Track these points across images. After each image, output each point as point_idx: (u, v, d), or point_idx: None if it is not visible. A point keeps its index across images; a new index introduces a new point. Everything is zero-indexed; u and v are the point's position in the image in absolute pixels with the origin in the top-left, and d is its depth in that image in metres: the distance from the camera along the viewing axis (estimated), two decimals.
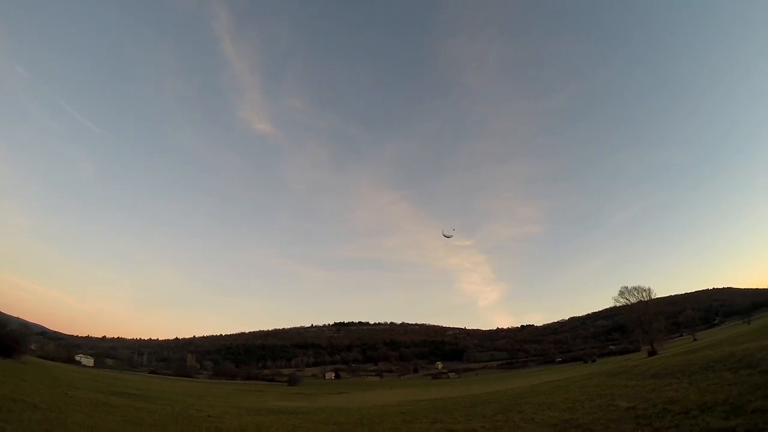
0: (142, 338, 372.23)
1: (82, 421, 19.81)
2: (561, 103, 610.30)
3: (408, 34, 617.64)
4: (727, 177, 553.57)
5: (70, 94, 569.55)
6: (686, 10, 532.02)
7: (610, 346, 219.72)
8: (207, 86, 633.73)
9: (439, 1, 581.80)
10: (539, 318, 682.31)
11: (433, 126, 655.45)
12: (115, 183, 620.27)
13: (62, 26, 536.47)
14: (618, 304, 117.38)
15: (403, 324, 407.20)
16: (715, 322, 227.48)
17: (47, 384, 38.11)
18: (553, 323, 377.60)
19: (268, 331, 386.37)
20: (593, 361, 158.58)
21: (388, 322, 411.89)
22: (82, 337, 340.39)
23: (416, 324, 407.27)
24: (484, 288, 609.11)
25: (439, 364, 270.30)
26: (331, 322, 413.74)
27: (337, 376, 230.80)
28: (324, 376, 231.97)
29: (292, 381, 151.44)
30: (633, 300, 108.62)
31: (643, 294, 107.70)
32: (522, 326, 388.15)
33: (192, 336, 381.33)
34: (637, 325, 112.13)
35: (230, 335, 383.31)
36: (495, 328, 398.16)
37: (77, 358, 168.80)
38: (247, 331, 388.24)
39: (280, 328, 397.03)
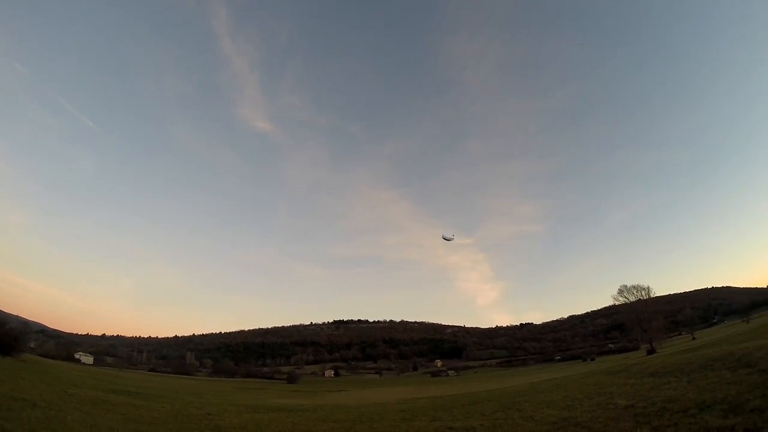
0: (142, 336, 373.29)
1: (82, 419, 19.83)
2: (560, 102, 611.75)
3: (407, 33, 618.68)
4: (726, 176, 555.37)
5: (69, 91, 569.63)
6: (686, 10, 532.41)
7: (609, 345, 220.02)
8: (206, 84, 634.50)
9: (439, 0, 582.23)
10: (538, 316, 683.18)
11: (432, 124, 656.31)
12: (115, 181, 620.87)
13: (61, 23, 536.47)
14: (617, 303, 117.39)
15: (402, 322, 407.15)
16: (714, 321, 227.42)
17: (47, 382, 38.13)
18: (553, 321, 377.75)
19: (268, 328, 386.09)
20: (592, 359, 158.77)
21: (388, 320, 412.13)
22: (81, 335, 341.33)
23: (415, 322, 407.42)
24: (483, 286, 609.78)
25: (439, 362, 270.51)
26: (331, 320, 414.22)
27: (337, 374, 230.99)
28: (323, 373, 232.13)
29: (292, 379, 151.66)
30: (632, 299, 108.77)
31: (642, 293, 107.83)
32: (521, 324, 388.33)
33: (191, 334, 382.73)
34: (636, 324, 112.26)
35: (230, 333, 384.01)
36: (494, 327, 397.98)
37: (77, 356, 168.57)
38: (246, 329, 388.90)
39: (280, 326, 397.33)
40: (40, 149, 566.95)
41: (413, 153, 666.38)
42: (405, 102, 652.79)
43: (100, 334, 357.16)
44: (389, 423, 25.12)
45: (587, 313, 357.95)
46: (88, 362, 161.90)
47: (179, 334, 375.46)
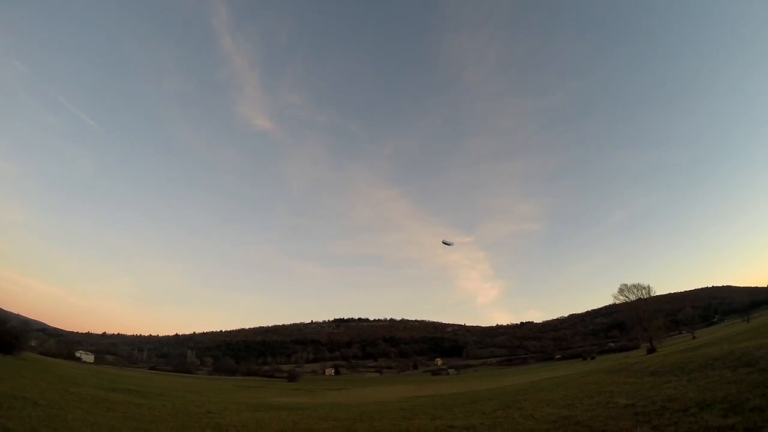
0: (142, 334, 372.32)
1: (83, 417, 19.85)
2: (560, 101, 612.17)
3: (408, 31, 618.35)
4: (726, 175, 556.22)
5: (69, 90, 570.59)
6: (686, 9, 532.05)
7: (610, 344, 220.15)
8: (206, 82, 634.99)
9: None
10: (538, 315, 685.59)
11: (432, 123, 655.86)
12: (115, 179, 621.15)
13: (61, 22, 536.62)
14: (617, 302, 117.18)
15: (402, 320, 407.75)
16: (714, 320, 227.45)
17: (47, 380, 38.16)
18: (553, 320, 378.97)
19: (268, 327, 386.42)
20: (592, 358, 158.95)
21: (388, 319, 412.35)
22: (82, 333, 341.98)
23: (416, 320, 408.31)
24: (483, 285, 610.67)
25: (439, 361, 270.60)
26: (331, 319, 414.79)
27: (337, 372, 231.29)
28: (323, 372, 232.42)
29: (292, 377, 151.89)
30: (632, 297, 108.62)
31: (643, 292, 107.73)
32: (521, 323, 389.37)
33: (192, 332, 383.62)
34: (636, 323, 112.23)
35: (230, 331, 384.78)
36: (494, 325, 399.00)
37: (77, 354, 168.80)
38: (246, 327, 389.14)
39: (280, 324, 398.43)
40: (40, 148, 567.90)
41: (413, 151, 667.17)
42: (405, 100, 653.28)
43: (100, 333, 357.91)
44: (389, 421, 25.12)
45: (588, 311, 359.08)
46: (88, 361, 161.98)
47: (180, 333, 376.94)
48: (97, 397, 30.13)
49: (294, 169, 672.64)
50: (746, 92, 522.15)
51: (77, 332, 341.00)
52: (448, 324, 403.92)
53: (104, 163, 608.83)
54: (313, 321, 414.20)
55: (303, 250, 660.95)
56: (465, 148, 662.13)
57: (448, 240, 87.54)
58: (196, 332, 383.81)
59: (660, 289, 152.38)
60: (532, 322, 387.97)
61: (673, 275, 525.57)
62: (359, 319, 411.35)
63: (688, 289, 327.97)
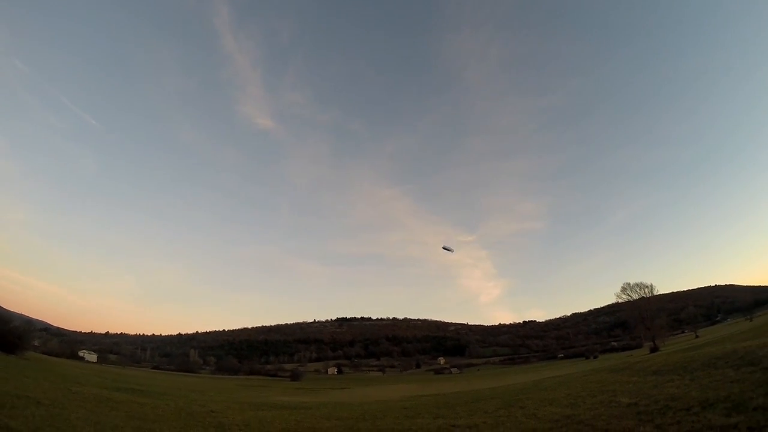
0: (145, 334, 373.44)
1: (86, 416, 19.90)
2: (561, 101, 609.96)
3: (409, 30, 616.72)
4: (729, 174, 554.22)
5: (70, 89, 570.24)
6: (688, 8, 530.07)
7: (612, 343, 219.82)
8: (208, 82, 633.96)
9: None
10: (541, 314, 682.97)
11: (433, 122, 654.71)
12: (117, 178, 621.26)
13: (63, 21, 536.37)
14: (620, 301, 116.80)
15: (405, 319, 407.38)
16: (717, 319, 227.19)
17: (50, 380, 38.28)
18: (555, 319, 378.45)
19: (271, 326, 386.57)
20: (595, 357, 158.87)
21: (391, 318, 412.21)
22: (85, 333, 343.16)
23: (418, 319, 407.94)
24: (485, 284, 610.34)
25: (441, 360, 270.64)
26: (334, 318, 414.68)
27: (340, 372, 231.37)
28: (326, 371, 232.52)
29: (295, 376, 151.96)
30: (635, 296, 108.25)
31: (645, 290, 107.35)
32: (524, 322, 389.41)
33: (195, 331, 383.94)
34: (639, 322, 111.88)
35: (233, 330, 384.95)
36: (497, 324, 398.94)
37: (80, 353, 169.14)
38: (249, 327, 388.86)
39: (283, 323, 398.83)
40: (41, 147, 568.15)
41: (415, 150, 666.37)
42: (406, 99, 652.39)
43: (103, 332, 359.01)
44: (392, 420, 25.14)
45: (590, 310, 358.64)
46: (91, 360, 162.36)
47: (182, 332, 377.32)
48: (101, 397, 30.21)
49: (296, 168, 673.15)
50: (748, 91, 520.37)
51: (80, 332, 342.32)
52: (451, 323, 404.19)
53: (106, 162, 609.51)
54: (316, 320, 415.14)
55: (305, 249, 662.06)
56: (466, 147, 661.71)
57: (448, 246, 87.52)
58: (199, 331, 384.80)
59: (663, 288, 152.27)
60: (535, 321, 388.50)
61: (676, 274, 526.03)
62: (362, 318, 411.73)
63: (690, 288, 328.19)
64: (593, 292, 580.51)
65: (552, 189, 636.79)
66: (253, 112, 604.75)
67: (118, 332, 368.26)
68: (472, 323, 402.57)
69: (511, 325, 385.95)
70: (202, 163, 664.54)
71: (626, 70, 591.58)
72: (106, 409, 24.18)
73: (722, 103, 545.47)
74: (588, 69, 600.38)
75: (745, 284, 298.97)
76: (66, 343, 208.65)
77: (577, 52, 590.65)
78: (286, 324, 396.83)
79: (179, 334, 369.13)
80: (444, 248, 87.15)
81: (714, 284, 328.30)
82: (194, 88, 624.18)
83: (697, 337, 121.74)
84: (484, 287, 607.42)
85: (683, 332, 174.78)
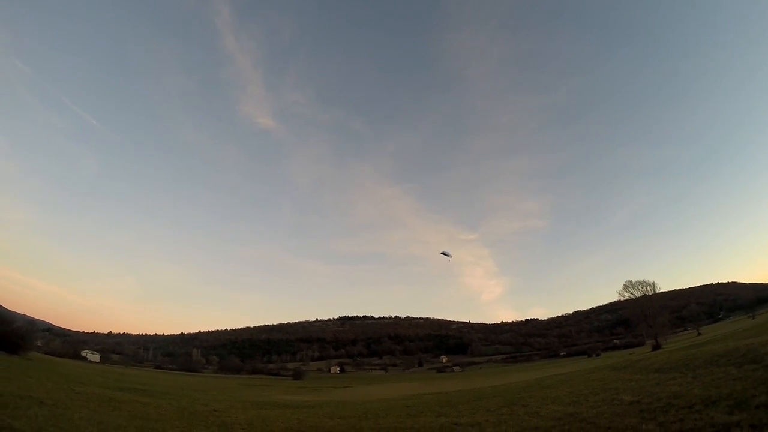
0: (148, 333, 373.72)
1: (89, 416, 19.97)
2: (563, 99, 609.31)
3: (410, 29, 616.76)
4: (731, 172, 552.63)
5: (71, 89, 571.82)
6: (690, 6, 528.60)
7: (615, 340, 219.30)
8: (209, 82, 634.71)
9: None
10: (543, 312, 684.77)
11: (435, 120, 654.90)
12: (118, 178, 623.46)
13: (63, 21, 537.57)
14: (622, 299, 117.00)
15: (407, 318, 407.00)
16: (720, 316, 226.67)
17: (53, 380, 38.38)
18: (558, 317, 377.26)
19: (273, 325, 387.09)
20: (597, 355, 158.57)
21: (393, 316, 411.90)
22: (87, 333, 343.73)
23: (420, 318, 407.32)
24: (487, 282, 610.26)
25: (444, 358, 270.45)
26: (336, 317, 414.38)
27: (342, 370, 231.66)
28: (329, 370, 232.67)
29: (297, 375, 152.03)
30: (637, 294, 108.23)
31: (648, 288, 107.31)
32: (526, 320, 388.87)
33: (197, 331, 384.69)
34: (641, 320, 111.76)
35: (235, 330, 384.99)
36: (499, 322, 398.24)
37: (83, 354, 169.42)
38: (252, 326, 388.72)
39: (285, 322, 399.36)
40: (43, 147, 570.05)
41: (417, 149, 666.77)
42: (408, 98, 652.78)
43: (106, 332, 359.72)
44: (394, 419, 25.18)
45: (592, 308, 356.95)
46: (94, 360, 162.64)
47: (185, 331, 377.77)
48: (103, 397, 30.29)
49: (297, 167, 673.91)
50: (748, 90, 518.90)
51: (83, 332, 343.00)
52: (453, 321, 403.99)
53: (107, 162, 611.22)
54: (318, 319, 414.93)
55: (307, 248, 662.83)
56: (468, 146, 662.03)
57: (447, 251, 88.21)
58: (201, 331, 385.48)
59: (665, 285, 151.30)
60: (537, 319, 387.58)
61: (678, 272, 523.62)
62: (364, 316, 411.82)
63: (693, 286, 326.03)
64: (595, 289, 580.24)
65: (553, 187, 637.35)
66: (255, 111, 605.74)
67: (121, 332, 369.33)
68: (474, 321, 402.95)
69: (513, 323, 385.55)
70: (204, 162, 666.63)
71: (627, 68, 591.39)
72: (109, 409, 24.24)
73: (723, 102, 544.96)
74: (589, 67, 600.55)
75: (747, 282, 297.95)
76: (69, 344, 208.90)
77: (578, 50, 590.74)
78: (289, 323, 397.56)
79: (182, 334, 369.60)
80: (442, 253, 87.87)
81: (716, 282, 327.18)
82: (195, 88, 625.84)
83: (699, 334, 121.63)
84: (486, 285, 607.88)
85: (685, 330, 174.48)
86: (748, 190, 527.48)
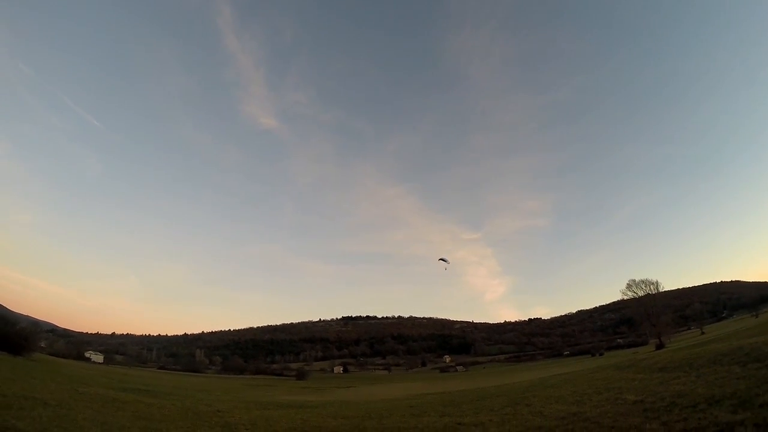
0: (151, 334, 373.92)
1: (93, 417, 20.03)
2: (565, 97, 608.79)
3: (412, 28, 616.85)
4: (734, 170, 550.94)
5: (74, 91, 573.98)
6: (693, 4, 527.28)
7: (618, 340, 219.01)
8: (211, 82, 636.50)
9: None
10: (546, 311, 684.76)
11: (437, 120, 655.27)
12: (121, 179, 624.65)
13: (65, 23, 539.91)
14: (625, 298, 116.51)
15: (410, 318, 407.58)
16: (723, 315, 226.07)
17: (57, 381, 38.47)
18: (561, 316, 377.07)
19: (276, 325, 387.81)
20: (601, 354, 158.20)
21: (396, 316, 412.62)
22: (91, 333, 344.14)
23: (424, 318, 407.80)
24: (490, 281, 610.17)
25: (447, 358, 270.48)
26: (339, 317, 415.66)
27: (346, 370, 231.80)
28: (332, 370, 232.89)
29: (301, 375, 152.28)
30: (640, 293, 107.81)
31: (651, 287, 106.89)
32: (529, 319, 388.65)
33: (200, 331, 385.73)
34: (644, 319, 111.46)
35: (238, 330, 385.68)
36: (502, 322, 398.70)
37: (87, 354, 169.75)
38: (255, 326, 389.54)
39: (288, 322, 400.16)
40: (46, 149, 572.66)
41: (419, 149, 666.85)
42: (410, 97, 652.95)
43: (109, 333, 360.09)
44: (398, 418, 25.17)
45: (596, 307, 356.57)
46: (98, 361, 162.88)
47: (188, 332, 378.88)
48: (107, 397, 30.36)
49: (300, 167, 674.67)
50: (752, 88, 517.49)
51: (86, 333, 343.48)
52: (456, 321, 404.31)
53: (110, 163, 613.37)
54: (321, 319, 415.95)
55: (310, 248, 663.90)
56: (470, 145, 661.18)
57: (445, 258, 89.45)
58: (205, 331, 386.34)
59: (668, 284, 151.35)
60: (540, 318, 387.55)
61: (682, 271, 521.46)
62: (367, 316, 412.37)
63: (696, 285, 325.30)
64: (598, 289, 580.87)
65: (556, 186, 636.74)
66: (257, 111, 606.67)
67: (124, 333, 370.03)
68: (478, 321, 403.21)
69: (516, 323, 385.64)
70: (206, 163, 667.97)
71: (630, 66, 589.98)
72: (113, 410, 24.30)
73: (726, 101, 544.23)
74: (591, 66, 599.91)
75: (750, 280, 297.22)
76: (72, 344, 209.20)
77: (580, 49, 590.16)
78: (292, 323, 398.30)
79: (185, 335, 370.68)
80: (441, 260, 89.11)
81: (719, 281, 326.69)
82: (197, 88, 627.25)
83: (702, 333, 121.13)
84: (489, 285, 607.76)
85: (689, 329, 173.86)
86: (752, 188, 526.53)
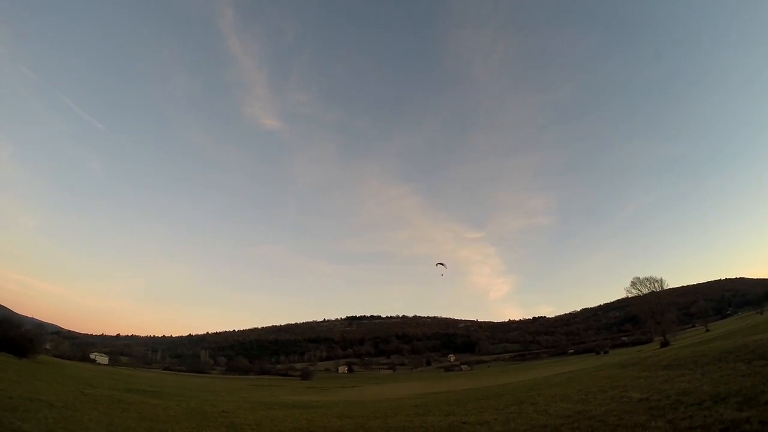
0: (156, 335, 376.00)
1: (98, 418, 20.09)
2: (569, 95, 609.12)
3: (414, 28, 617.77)
4: (739, 168, 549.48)
5: (76, 93, 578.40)
6: (695, 2, 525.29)
7: (623, 338, 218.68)
8: (214, 83, 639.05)
9: None
10: (551, 310, 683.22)
11: (440, 119, 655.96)
12: (124, 181, 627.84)
13: (67, 25, 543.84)
14: (630, 295, 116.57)
15: (415, 317, 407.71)
16: (728, 312, 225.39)
17: (63, 382, 38.60)
18: (565, 315, 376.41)
19: (281, 326, 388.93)
20: (605, 352, 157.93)
21: (400, 316, 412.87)
22: (96, 335, 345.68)
23: (428, 317, 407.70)
24: (494, 280, 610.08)
25: (452, 357, 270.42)
26: (343, 316, 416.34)
27: (350, 370, 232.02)
28: (337, 370, 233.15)
29: (305, 375, 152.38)
30: (645, 291, 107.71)
31: (655, 285, 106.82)
32: (534, 318, 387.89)
33: (205, 332, 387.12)
34: (649, 316, 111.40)
35: (243, 331, 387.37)
36: (507, 320, 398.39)
37: (92, 356, 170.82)
38: (259, 327, 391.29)
39: (293, 322, 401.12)
40: (49, 152, 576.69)
41: (422, 148, 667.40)
42: (412, 97, 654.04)
43: (114, 334, 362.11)
44: (403, 418, 25.15)
45: (600, 305, 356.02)
46: (103, 362, 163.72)
47: (193, 333, 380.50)
48: (112, 398, 30.44)
49: (303, 167, 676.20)
50: (755, 87, 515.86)
51: (91, 334, 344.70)
52: (461, 320, 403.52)
53: (113, 165, 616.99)
54: (326, 319, 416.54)
55: (314, 249, 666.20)
56: (474, 144, 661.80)
57: (443, 263, 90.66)
58: (209, 332, 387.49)
59: (673, 282, 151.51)
60: (545, 317, 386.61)
61: (686, 268, 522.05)
62: (371, 316, 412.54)
63: (701, 282, 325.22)
64: (603, 287, 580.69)
65: (560, 184, 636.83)
66: (259, 112, 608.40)
67: (129, 334, 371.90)
68: (482, 320, 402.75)
69: (520, 322, 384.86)
70: (209, 164, 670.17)
71: (632, 65, 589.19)
72: (118, 411, 24.37)
73: (729, 99, 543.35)
74: (593, 65, 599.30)
75: (755, 277, 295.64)
76: (77, 346, 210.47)
77: (582, 47, 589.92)
78: (296, 323, 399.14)
79: (190, 335, 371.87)
80: (439, 264, 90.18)
81: (724, 278, 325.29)
82: (200, 90, 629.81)
83: (707, 331, 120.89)
84: (493, 284, 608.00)
85: (694, 326, 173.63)
86: (756, 185, 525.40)
